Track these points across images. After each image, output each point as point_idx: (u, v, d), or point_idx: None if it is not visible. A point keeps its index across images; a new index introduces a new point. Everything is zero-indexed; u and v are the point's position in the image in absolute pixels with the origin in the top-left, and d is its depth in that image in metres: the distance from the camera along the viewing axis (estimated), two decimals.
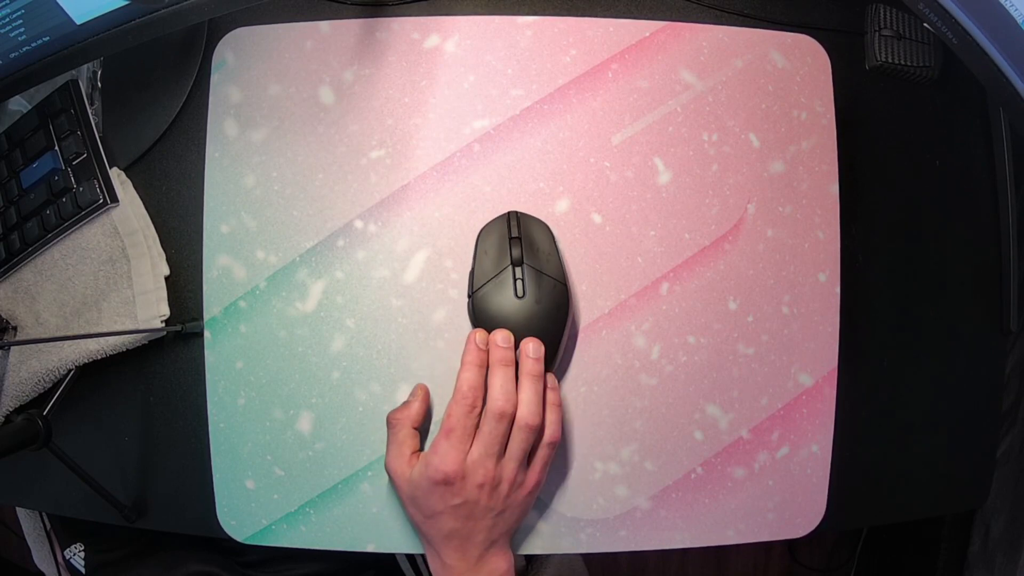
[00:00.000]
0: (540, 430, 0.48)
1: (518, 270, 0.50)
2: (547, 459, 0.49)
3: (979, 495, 0.60)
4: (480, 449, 0.46)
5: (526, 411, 0.47)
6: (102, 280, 0.54)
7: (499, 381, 0.47)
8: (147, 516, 0.55)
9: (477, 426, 0.47)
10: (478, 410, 0.47)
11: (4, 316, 0.55)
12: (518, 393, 0.48)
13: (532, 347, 0.49)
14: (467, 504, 0.47)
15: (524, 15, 0.55)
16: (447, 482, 0.46)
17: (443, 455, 0.46)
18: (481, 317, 0.50)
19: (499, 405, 0.47)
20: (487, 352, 0.49)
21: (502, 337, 0.49)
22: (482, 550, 0.48)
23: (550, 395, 0.49)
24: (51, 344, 0.53)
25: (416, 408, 0.51)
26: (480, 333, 0.49)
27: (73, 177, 0.54)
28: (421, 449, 0.51)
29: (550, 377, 0.50)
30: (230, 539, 0.53)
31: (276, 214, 0.54)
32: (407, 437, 0.49)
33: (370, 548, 0.53)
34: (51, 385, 0.54)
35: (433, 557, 0.49)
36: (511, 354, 0.48)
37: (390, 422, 0.50)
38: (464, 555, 0.48)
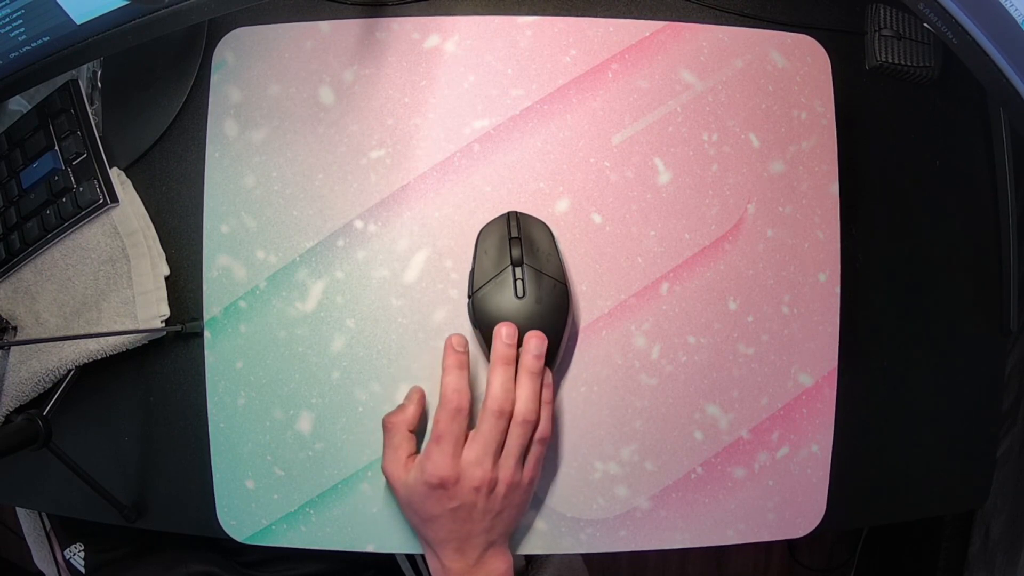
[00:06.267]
0: (536, 426, 0.48)
1: (518, 270, 0.50)
2: (540, 456, 0.49)
3: (979, 495, 0.60)
4: (478, 448, 0.46)
5: (524, 407, 0.47)
6: (102, 280, 0.54)
7: (499, 379, 0.47)
8: (147, 516, 0.55)
9: (465, 429, 0.47)
10: (464, 412, 0.47)
11: (4, 316, 0.55)
12: (516, 389, 0.48)
13: (534, 343, 0.48)
14: (464, 507, 0.47)
15: (524, 15, 0.55)
16: (443, 486, 0.46)
17: (436, 460, 0.46)
18: (481, 317, 0.50)
19: (499, 403, 0.47)
20: (466, 354, 0.50)
21: (507, 333, 0.48)
22: (481, 551, 0.48)
23: (544, 392, 0.49)
24: (51, 344, 0.53)
25: (412, 411, 0.51)
26: (457, 337, 0.50)
27: (73, 177, 0.54)
28: (418, 451, 0.51)
29: (546, 373, 0.50)
30: (230, 539, 0.53)
31: (276, 214, 0.54)
32: (403, 441, 0.49)
33: (370, 548, 0.53)
34: (51, 385, 0.53)
35: (432, 558, 0.49)
36: (514, 352, 0.48)
37: (386, 426, 0.50)
38: (463, 556, 0.48)
